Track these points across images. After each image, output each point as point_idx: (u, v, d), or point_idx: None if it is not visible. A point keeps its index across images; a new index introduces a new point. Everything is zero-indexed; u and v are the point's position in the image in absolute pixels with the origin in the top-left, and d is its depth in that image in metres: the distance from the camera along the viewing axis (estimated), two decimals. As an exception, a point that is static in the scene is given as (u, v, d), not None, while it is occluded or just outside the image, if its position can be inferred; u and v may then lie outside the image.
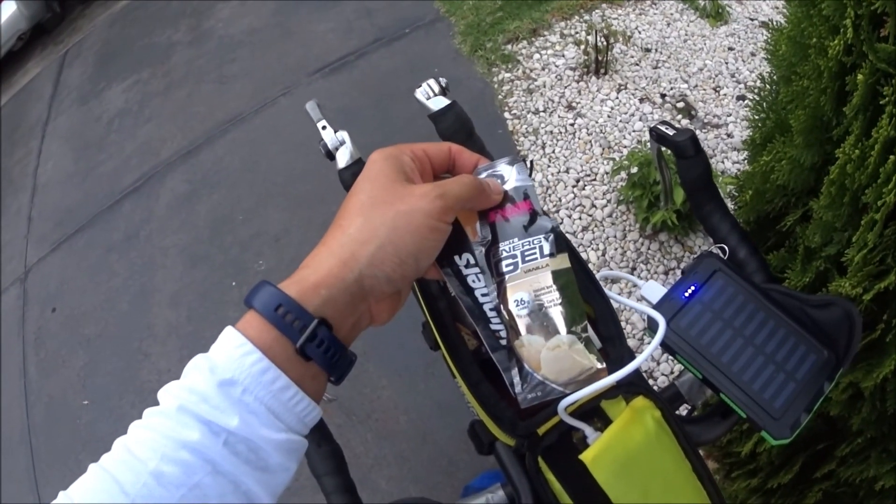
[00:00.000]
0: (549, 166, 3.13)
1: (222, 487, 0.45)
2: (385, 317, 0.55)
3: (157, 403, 0.47)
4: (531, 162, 3.06)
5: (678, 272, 2.60)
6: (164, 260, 3.49)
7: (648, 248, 2.71)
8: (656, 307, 0.71)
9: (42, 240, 3.99)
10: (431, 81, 0.86)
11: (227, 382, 0.45)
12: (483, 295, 0.60)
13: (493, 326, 0.59)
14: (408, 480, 2.32)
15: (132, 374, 3.02)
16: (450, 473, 2.29)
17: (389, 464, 2.38)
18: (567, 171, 3.08)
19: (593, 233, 2.83)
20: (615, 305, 0.70)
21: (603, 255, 2.74)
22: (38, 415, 3.07)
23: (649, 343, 0.62)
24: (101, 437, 2.80)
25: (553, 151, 3.19)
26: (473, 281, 0.60)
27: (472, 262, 0.60)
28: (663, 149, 0.86)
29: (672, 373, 2.34)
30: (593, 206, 2.92)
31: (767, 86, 1.23)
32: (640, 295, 0.77)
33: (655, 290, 0.74)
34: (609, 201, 2.91)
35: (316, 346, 0.48)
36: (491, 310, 0.59)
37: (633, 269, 2.68)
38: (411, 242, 0.52)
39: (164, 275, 3.41)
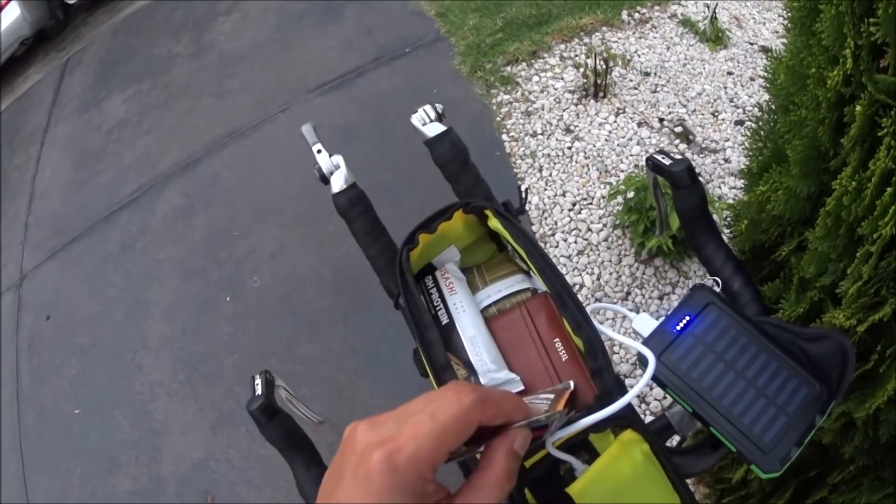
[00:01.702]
0: (545, 189, 3.13)
1: None
2: None
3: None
4: (526, 189, 3.06)
5: (673, 297, 2.60)
6: (160, 272, 3.48)
7: (643, 273, 2.71)
8: (647, 340, 0.70)
9: (38, 247, 3.98)
10: (427, 107, 0.85)
11: None
12: None
13: None
14: (397, 501, 2.29)
15: (125, 385, 2.99)
16: (440, 495, 2.26)
17: (379, 484, 2.35)
18: (564, 195, 3.09)
19: (588, 257, 2.82)
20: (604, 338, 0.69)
21: (598, 279, 2.74)
22: (29, 421, 3.06)
23: (641, 375, 0.61)
24: (91, 447, 2.78)
25: (550, 174, 3.20)
26: None
27: None
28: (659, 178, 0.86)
29: (665, 397, 2.33)
30: (589, 230, 2.92)
31: (765, 115, 1.23)
32: (631, 328, 0.76)
33: (647, 322, 0.74)
34: (605, 225, 2.91)
35: None
36: None
37: (628, 293, 2.67)
38: None
39: (158, 287, 3.40)
